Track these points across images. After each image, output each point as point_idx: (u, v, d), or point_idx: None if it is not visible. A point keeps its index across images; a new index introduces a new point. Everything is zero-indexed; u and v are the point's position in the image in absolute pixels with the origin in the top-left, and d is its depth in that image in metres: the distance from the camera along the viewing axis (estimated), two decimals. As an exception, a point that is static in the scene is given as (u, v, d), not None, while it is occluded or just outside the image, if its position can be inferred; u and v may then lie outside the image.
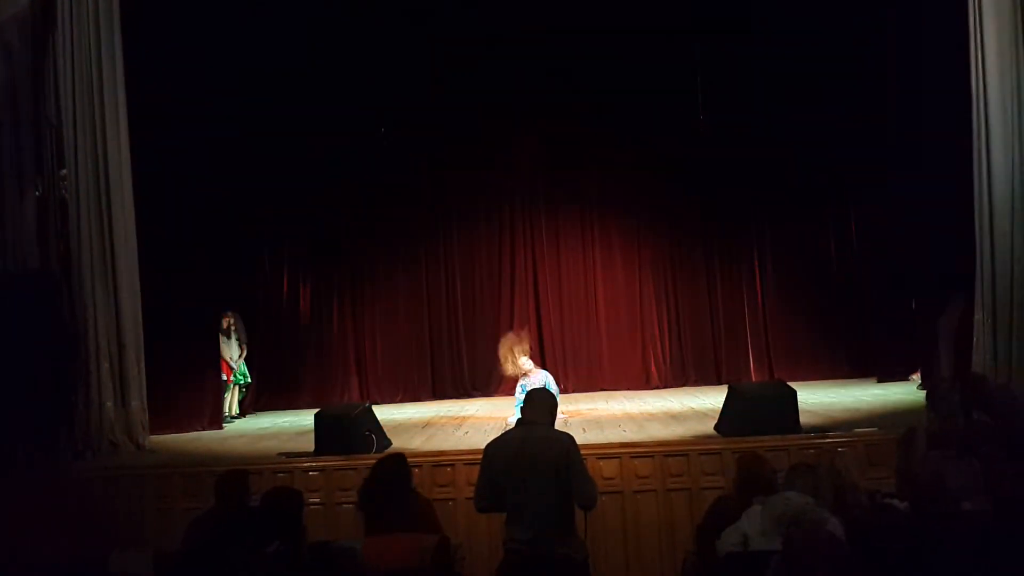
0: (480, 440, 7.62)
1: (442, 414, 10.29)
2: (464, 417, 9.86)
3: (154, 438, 8.69)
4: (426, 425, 9.35)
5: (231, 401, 10.85)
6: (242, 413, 11.05)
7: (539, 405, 4.45)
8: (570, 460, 4.23)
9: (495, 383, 12.18)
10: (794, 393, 7.23)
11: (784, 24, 11.09)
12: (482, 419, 9.58)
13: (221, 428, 9.88)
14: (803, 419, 7.24)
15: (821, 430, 7.12)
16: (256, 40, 10.81)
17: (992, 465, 4.74)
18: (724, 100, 11.56)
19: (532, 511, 4.19)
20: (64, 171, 8.34)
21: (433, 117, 11.92)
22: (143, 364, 8.62)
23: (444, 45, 11.53)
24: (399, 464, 4.42)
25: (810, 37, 10.92)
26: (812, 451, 6.46)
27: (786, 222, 12.11)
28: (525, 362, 8.93)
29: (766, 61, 11.46)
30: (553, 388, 8.55)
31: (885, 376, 10.91)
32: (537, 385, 8.38)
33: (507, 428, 8.49)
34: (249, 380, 11.13)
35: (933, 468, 4.63)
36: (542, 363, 12.31)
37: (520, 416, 4.50)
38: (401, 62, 11.54)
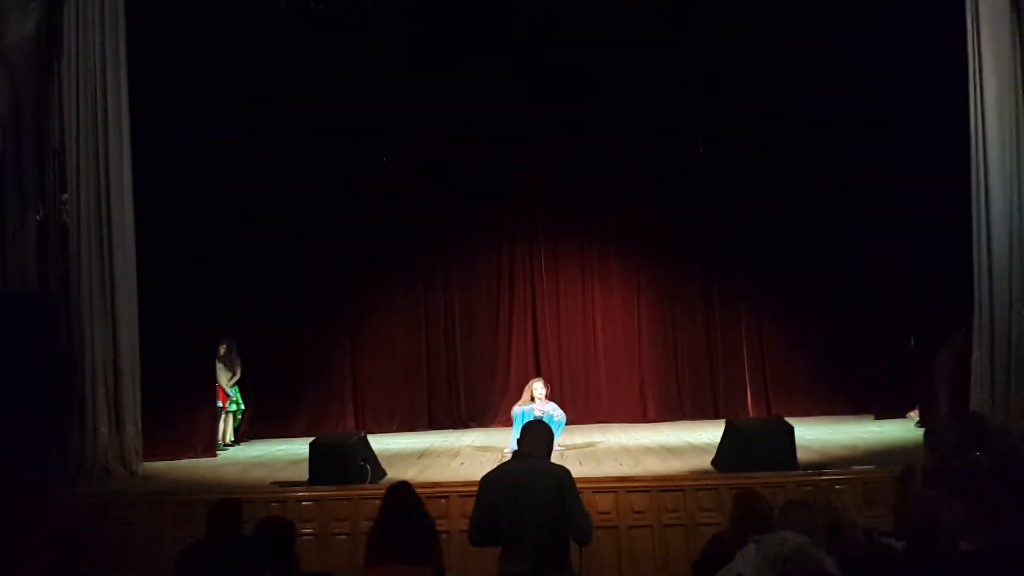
0: (475, 471, 7.59)
1: (437, 444, 10.25)
2: (459, 448, 9.81)
3: (147, 464, 8.65)
4: (421, 455, 9.31)
5: (225, 428, 10.80)
6: (236, 441, 10.99)
7: (536, 438, 4.43)
8: (566, 493, 4.20)
9: (491, 414, 12.15)
10: (791, 429, 7.21)
11: (787, 63, 11.19)
12: (478, 450, 9.54)
13: (215, 455, 9.83)
14: (800, 455, 7.23)
15: (818, 467, 7.10)
16: (259, 74, 10.90)
17: (989, 504, 4.72)
18: (724, 136, 11.64)
19: (527, 545, 4.15)
20: (66, 195, 8.38)
21: (436, 149, 11.97)
22: (139, 390, 8.60)
23: (448, 77, 11.61)
24: (409, 494, 4.38)
25: (813, 75, 10.98)
26: (809, 488, 6.44)
27: (786, 258, 12.12)
28: (539, 390, 9.01)
29: (768, 98, 11.54)
30: (558, 416, 8.64)
31: (883, 413, 10.88)
32: (546, 413, 8.55)
33: (504, 459, 8.55)
34: (243, 407, 11.08)
35: (929, 506, 4.61)
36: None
37: (516, 448, 4.47)
38: (403, 94, 11.61)
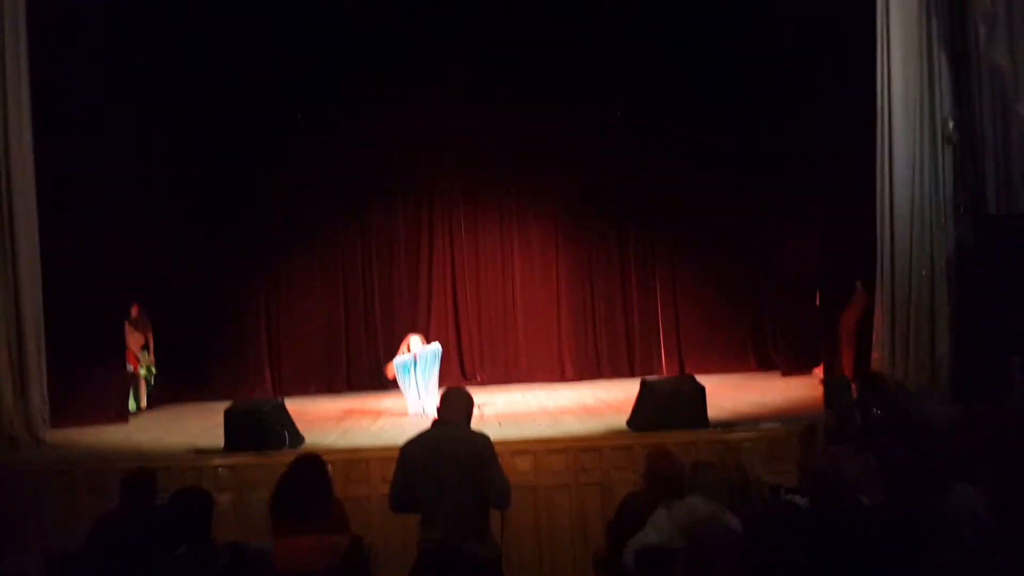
0: (396, 435, 7.62)
1: (356, 407, 10.22)
2: (380, 411, 9.80)
3: (56, 432, 8.40)
4: (340, 419, 9.27)
5: (138, 393, 10.56)
6: (149, 406, 10.75)
7: (455, 405, 4.46)
8: (485, 460, 4.26)
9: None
10: (702, 389, 7.42)
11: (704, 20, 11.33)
12: (398, 413, 9.54)
13: (127, 422, 9.59)
14: (711, 414, 7.44)
15: (728, 425, 7.32)
16: (161, 18, 10.51)
17: (887, 460, 4.95)
18: (641, 96, 11.75)
19: (446, 511, 4.21)
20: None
21: (354, 106, 11.79)
22: (44, 355, 8.33)
23: (371, 31, 11.42)
24: (317, 467, 4.36)
25: (727, 33, 11.19)
26: (720, 446, 6.65)
27: (699, 218, 12.35)
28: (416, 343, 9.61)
29: (684, 55, 11.68)
30: (434, 348, 9.54)
31: (789, 370, 11.26)
32: (427, 350, 9.33)
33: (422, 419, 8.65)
34: (155, 372, 10.84)
35: (831, 462, 4.82)
36: (459, 356, 12.40)
37: (435, 413, 4.50)
38: (318, 28, 11.34)
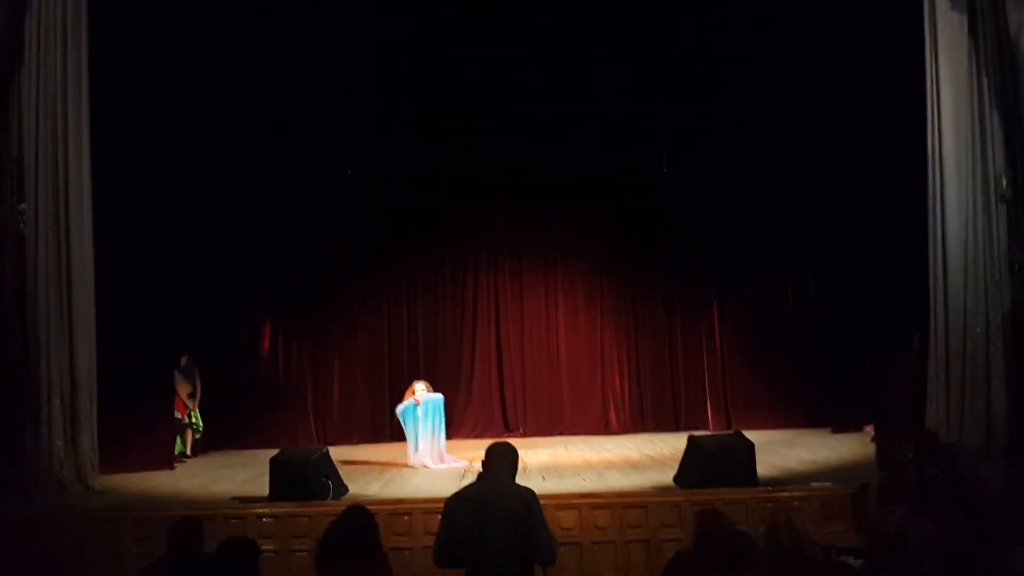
0: (438, 487, 7.59)
1: (399, 459, 10.17)
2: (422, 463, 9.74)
3: (104, 478, 8.48)
4: (383, 470, 9.25)
5: (184, 441, 10.65)
6: (194, 453, 10.83)
7: (500, 458, 4.42)
8: (531, 516, 4.21)
9: (454, 427, 12.11)
10: (752, 446, 7.29)
11: (749, 85, 11.35)
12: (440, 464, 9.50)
13: (173, 468, 9.68)
14: (760, 470, 7.30)
15: (778, 483, 7.18)
16: (226, 80, 10.81)
17: (946, 523, 4.80)
18: (686, 153, 11.78)
19: (491, 566, 4.15)
20: (23, 206, 8.21)
21: (401, 163, 11.95)
22: (95, 402, 8.45)
23: (413, 96, 11.61)
24: (366, 518, 4.34)
25: (775, 94, 11.16)
26: (769, 504, 6.50)
27: (745, 274, 12.28)
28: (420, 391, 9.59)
29: (729, 117, 11.69)
30: (437, 397, 9.51)
31: (839, 427, 11.03)
32: (429, 398, 9.37)
33: (466, 471, 8.61)
34: (201, 426, 10.91)
35: (896, 524, 4.68)
36: (502, 407, 12.37)
37: (481, 468, 4.46)
38: (369, 111, 11.57)
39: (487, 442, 4.63)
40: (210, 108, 10.77)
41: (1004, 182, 8.21)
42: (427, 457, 9.26)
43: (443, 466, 9.23)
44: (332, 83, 11.33)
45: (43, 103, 8.24)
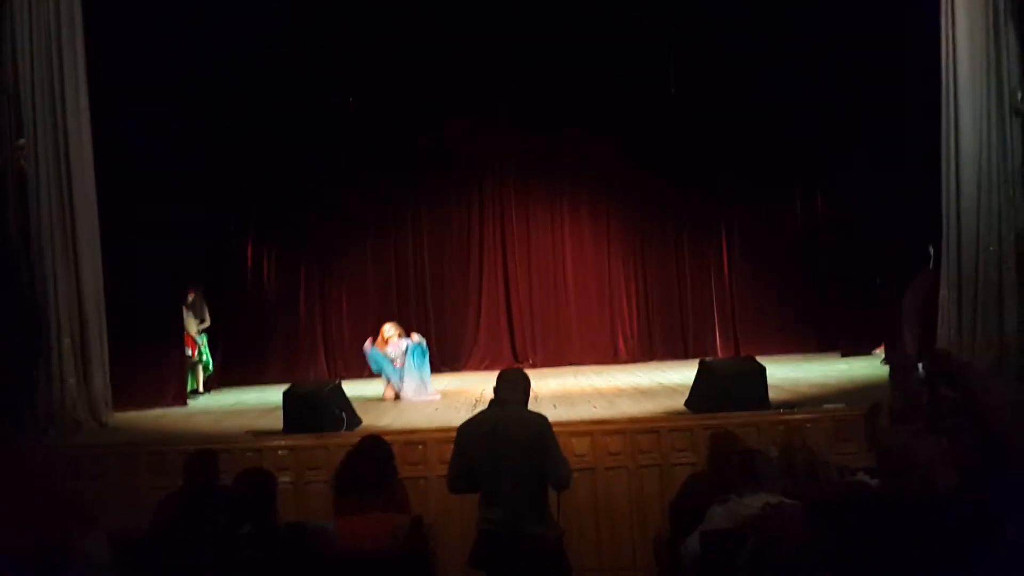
0: (451, 416, 7.62)
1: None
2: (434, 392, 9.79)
3: (117, 415, 8.53)
4: (395, 401, 9.29)
5: (196, 377, 10.70)
6: (207, 389, 10.89)
7: (512, 385, 4.41)
8: (544, 441, 4.22)
9: (464, 359, 12.18)
10: (763, 369, 7.27)
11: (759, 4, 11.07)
12: (452, 394, 9.55)
13: (185, 404, 9.74)
14: (771, 394, 7.29)
15: (789, 406, 7.18)
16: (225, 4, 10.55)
17: (959, 441, 4.80)
18: (695, 76, 11.51)
19: (505, 492, 4.18)
20: (22, 141, 8.10)
21: (403, 89, 11.75)
22: (105, 339, 8.45)
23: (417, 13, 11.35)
24: (383, 447, 4.37)
25: (783, 13, 10.88)
26: (781, 427, 6.51)
27: (754, 198, 12.17)
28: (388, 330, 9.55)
29: (738, 37, 11.41)
30: (417, 339, 9.42)
31: (849, 351, 11.04)
32: (409, 346, 9.27)
33: (477, 400, 8.64)
34: (212, 361, 10.94)
35: (904, 442, 4.68)
36: (511, 338, 12.39)
37: (492, 396, 4.45)
38: (371, 28, 11.30)
39: (496, 374, 4.61)
40: (211, 34, 10.52)
41: (1020, 95, 8.07)
42: (410, 392, 9.27)
43: (423, 398, 9.25)
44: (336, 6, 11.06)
45: (36, 32, 8.07)
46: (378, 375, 9.62)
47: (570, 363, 12.04)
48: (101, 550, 3.80)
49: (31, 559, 3.55)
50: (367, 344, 9.50)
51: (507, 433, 4.22)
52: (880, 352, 10.53)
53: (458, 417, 7.47)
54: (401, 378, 9.28)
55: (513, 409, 4.35)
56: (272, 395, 8.84)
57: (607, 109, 11.99)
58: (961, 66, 8.30)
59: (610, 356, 12.23)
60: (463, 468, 4.32)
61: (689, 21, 11.35)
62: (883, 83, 9.76)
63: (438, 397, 9.28)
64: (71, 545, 3.89)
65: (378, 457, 4.29)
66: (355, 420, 7.43)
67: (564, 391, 9.34)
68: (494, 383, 4.47)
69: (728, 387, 7.10)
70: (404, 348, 9.33)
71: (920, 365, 6.52)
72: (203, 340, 10.80)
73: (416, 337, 9.49)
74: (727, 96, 11.68)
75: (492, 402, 4.44)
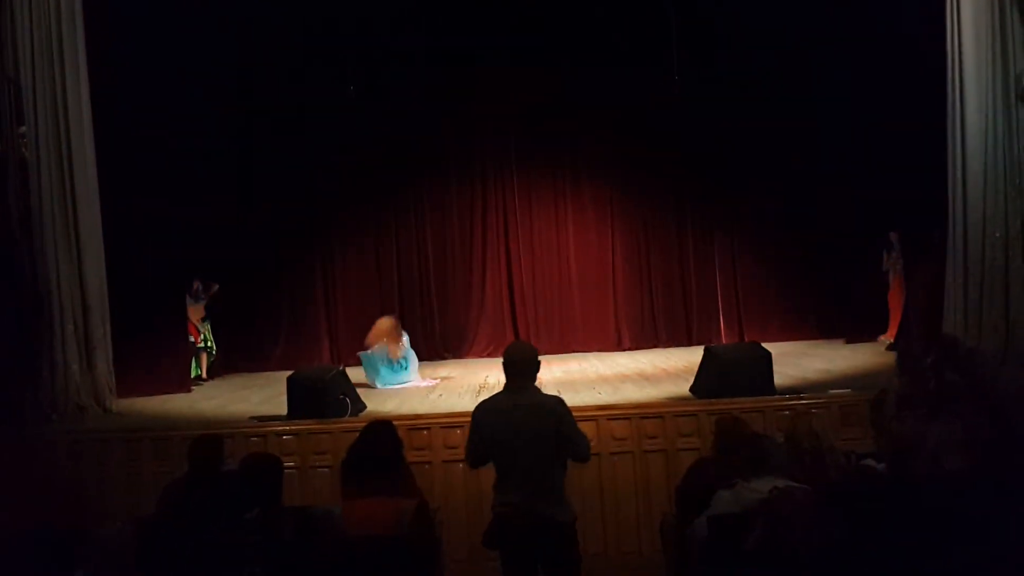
0: (454, 402, 7.63)
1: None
2: (436, 379, 9.78)
3: (122, 402, 8.53)
4: (398, 389, 9.28)
5: (199, 365, 10.69)
6: (210, 377, 10.88)
7: (521, 369, 4.38)
8: (561, 421, 4.25)
9: (467, 345, 12.15)
10: (769, 355, 7.26)
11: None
12: (455, 381, 9.54)
13: (189, 391, 9.73)
14: (776, 380, 7.28)
15: (795, 391, 7.17)
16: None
17: (968, 426, 4.78)
18: (698, 60, 11.45)
19: (521, 476, 4.20)
20: (23, 128, 8.08)
21: (405, 78, 11.69)
22: (108, 326, 8.45)
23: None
24: (390, 431, 4.36)
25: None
26: (787, 412, 6.49)
27: (758, 184, 12.09)
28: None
29: (743, 26, 11.35)
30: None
31: (853, 337, 11.00)
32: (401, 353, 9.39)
33: (481, 387, 8.66)
34: (215, 348, 10.94)
35: (913, 428, 4.66)
36: (514, 324, 12.37)
37: (505, 381, 4.43)
38: (373, 16, 11.25)
39: (499, 360, 4.59)
40: (213, 23, 10.45)
41: (1024, 81, 8.02)
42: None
43: (415, 384, 9.31)
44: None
45: (36, 18, 8.04)
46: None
47: (574, 350, 12.01)
48: (118, 537, 3.80)
49: (46, 547, 3.55)
50: (375, 346, 9.49)
51: (522, 419, 4.23)
52: (884, 339, 10.50)
53: (461, 403, 7.50)
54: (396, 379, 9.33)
55: (527, 394, 4.34)
56: (276, 382, 8.83)
57: (610, 97, 11.90)
58: (966, 52, 8.25)
59: (613, 343, 12.20)
60: (480, 449, 4.36)
61: (692, 12, 11.27)
62: (888, 70, 9.69)
63: (436, 382, 9.32)
64: (86, 532, 3.88)
65: (385, 441, 4.28)
66: (359, 405, 7.43)
67: (568, 378, 9.33)
68: (502, 362, 4.44)
69: (733, 373, 7.10)
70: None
71: (927, 351, 6.52)
72: (207, 327, 10.80)
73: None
74: (730, 83, 11.60)
75: (506, 386, 4.42)
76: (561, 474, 4.31)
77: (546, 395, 4.41)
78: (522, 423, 4.20)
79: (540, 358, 4.48)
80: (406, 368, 9.44)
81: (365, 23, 11.22)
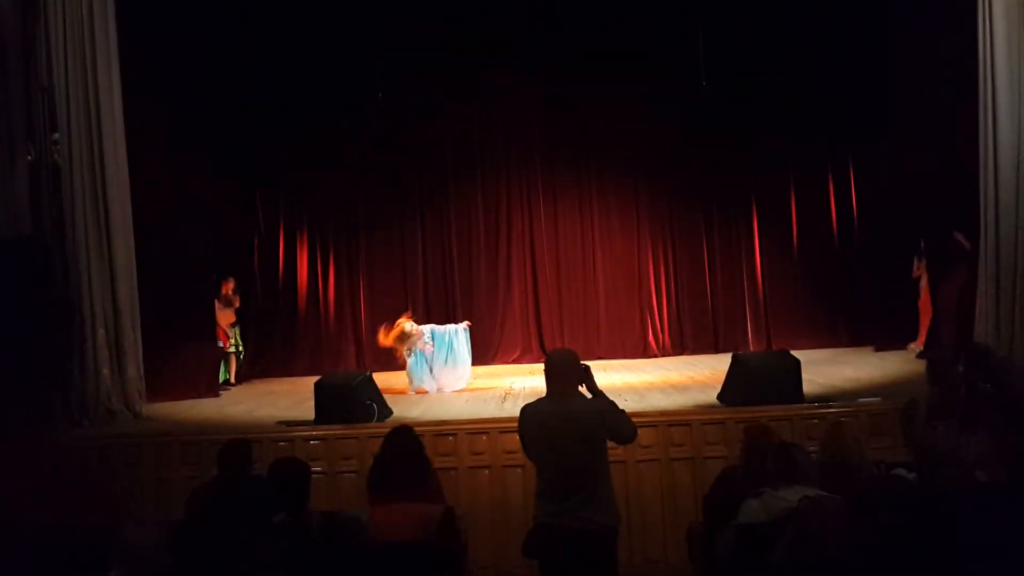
0: (479, 408, 7.63)
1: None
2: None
3: (150, 406, 8.61)
4: (423, 396, 9.30)
5: (228, 369, 10.78)
6: (238, 381, 10.97)
7: (560, 374, 4.36)
8: (604, 417, 4.29)
9: (492, 350, 12.13)
10: (798, 363, 7.20)
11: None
12: (481, 387, 9.54)
13: (218, 396, 9.80)
14: (805, 388, 7.22)
15: (824, 400, 7.10)
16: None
17: (999, 437, 4.72)
18: (726, 64, 11.40)
19: (563, 483, 4.21)
20: (56, 135, 8.19)
21: (433, 77, 11.73)
22: (139, 331, 8.53)
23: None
24: (415, 438, 4.38)
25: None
26: (816, 421, 6.45)
27: (786, 191, 12.02)
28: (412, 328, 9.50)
29: (769, 22, 11.30)
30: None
31: (882, 345, 10.89)
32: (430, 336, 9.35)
33: (507, 393, 8.66)
34: (243, 350, 11.04)
35: (943, 438, 4.61)
36: (539, 331, 12.34)
37: (546, 388, 4.44)
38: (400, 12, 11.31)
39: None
40: (243, 26, 10.60)
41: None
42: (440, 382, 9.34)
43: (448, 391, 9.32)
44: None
45: (70, 26, 8.15)
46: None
47: (599, 357, 11.91)
48: (151, 538, 3.83)
49: (80, 548, 3.59)
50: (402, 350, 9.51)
51: (562, 427, 4.24)
52: (914, 346, 10.38)
53: (487, 410, 7.50)
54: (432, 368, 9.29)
55: (567, 402, 4.33)
56: (303, 387, 8.87)
57: (637, 99, 11.88)
58: (998, 59, 8.15)
59: (639, 350, 12.13)
60: (529, 452, 4.45)
61: (721, 11, 11.23)
62: (919, 70, 9.61)
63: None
64: (118, 534, 3.92)
65: (410, 447, 4.29)
66: (386, 411, 7.45)
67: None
68: (544, 369, 4.46)
69: (762, 381, 7.04)
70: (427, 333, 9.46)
71: (958, 360, 6.44)
72: (235, 332, 10.88)
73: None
74: (758, 86, 11.54)
75: (549, 393, 4.42)
76: (606, 479, 4.32)
77: (587, 400, 4.39)
78: (562, 431, 4.21)
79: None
80: (452, 350, 9.41)
81: (392, 23, 11.27)
